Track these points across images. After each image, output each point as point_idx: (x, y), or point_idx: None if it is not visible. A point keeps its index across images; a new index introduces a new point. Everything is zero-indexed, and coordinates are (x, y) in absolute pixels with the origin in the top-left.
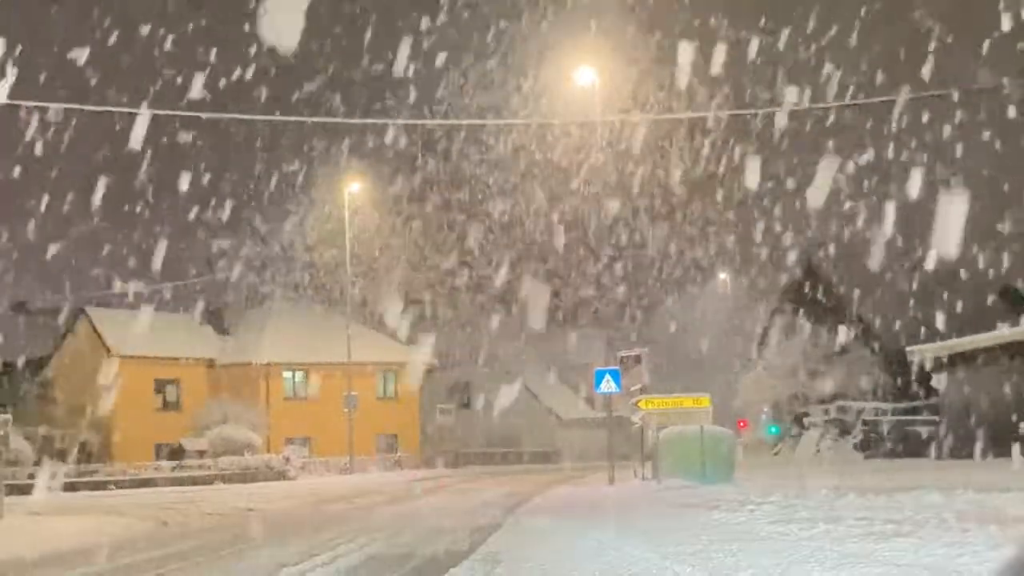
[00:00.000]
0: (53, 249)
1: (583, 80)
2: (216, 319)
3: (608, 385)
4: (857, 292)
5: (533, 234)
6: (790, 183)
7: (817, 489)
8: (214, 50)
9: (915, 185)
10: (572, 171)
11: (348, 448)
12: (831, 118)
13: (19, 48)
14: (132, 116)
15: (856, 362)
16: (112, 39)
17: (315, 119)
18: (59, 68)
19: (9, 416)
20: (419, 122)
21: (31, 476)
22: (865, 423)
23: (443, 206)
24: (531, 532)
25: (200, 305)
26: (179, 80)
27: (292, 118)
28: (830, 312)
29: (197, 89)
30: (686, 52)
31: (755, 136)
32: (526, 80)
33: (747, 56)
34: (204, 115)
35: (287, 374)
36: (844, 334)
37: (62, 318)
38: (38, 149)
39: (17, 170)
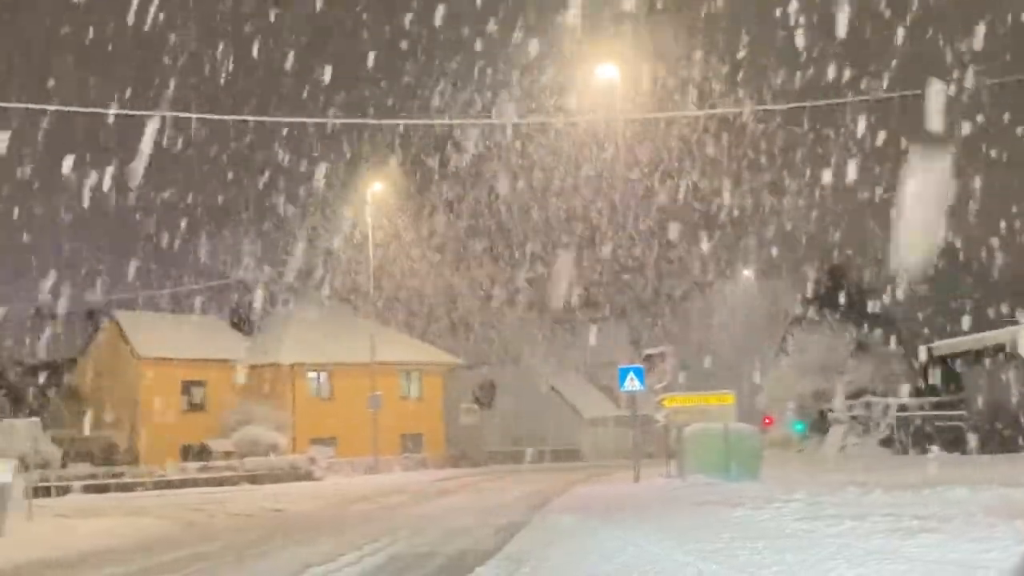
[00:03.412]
0: (80, 252)
1: (605, 76)
2: (241, 320)
3: (632, 383)
4: (881, 287)
5: (558, 232)
6: (816, 178)
7: (843, 485)
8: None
9: (940, 178)
10: (594, 165)
11: (373, 448)
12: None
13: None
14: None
15: (881, 358)
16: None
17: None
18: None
19: (38, 419)
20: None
21: (59, 478)
22: (891, 419)
23: (466, 204)
24: (556, 530)
25: (225, 307)
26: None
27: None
28: (855, 307)
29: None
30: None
31: (780, 130)
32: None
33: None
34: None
35: (311, 375)
36: (869, 329)
37: (89, 321)
38: (65, 150)
39: (39, 172)
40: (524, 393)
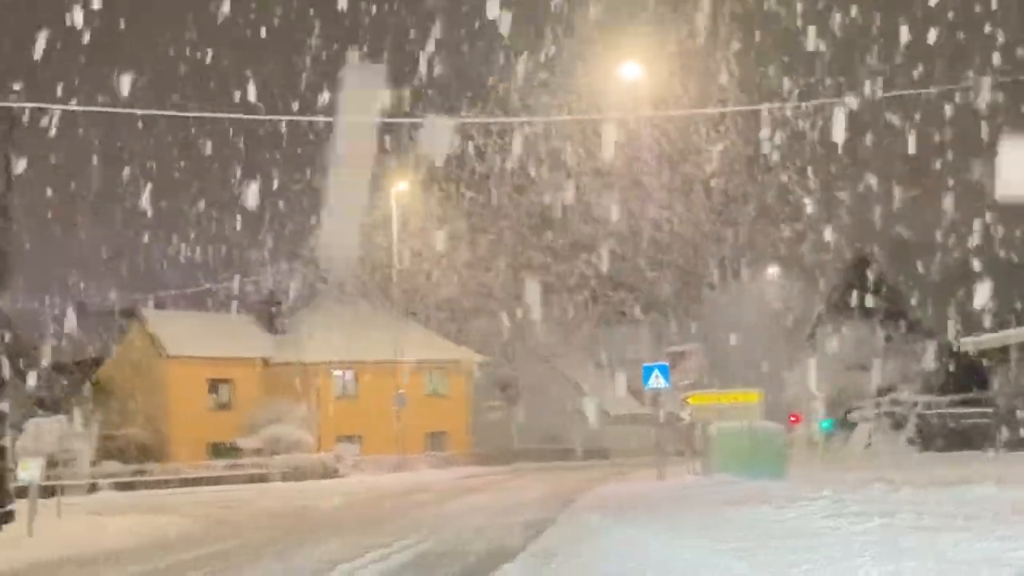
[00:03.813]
0: (108, 251)
1: (628, 75)
2: (267, 319)
3: (657, 381)
4: (909, 284)
5: (582, 229)
6: (845, 174)
7: (869, 483)
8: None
9: (968, 175)
10: (620, 164)
11: (398, 446)
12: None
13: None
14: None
15: (908, 355)
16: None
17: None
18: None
19: (67, 417)
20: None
21: (88, 476)
22: (918, 416)
23: (489, 201)
24: (582, 528)
25: (252, 305)
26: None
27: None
28: (882, 305)
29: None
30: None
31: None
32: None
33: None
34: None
35: (337, 373)
36: (896, 327)
37: (117, 320)
38: (95, 152)
39: (69, 173)
40: (549, 391)
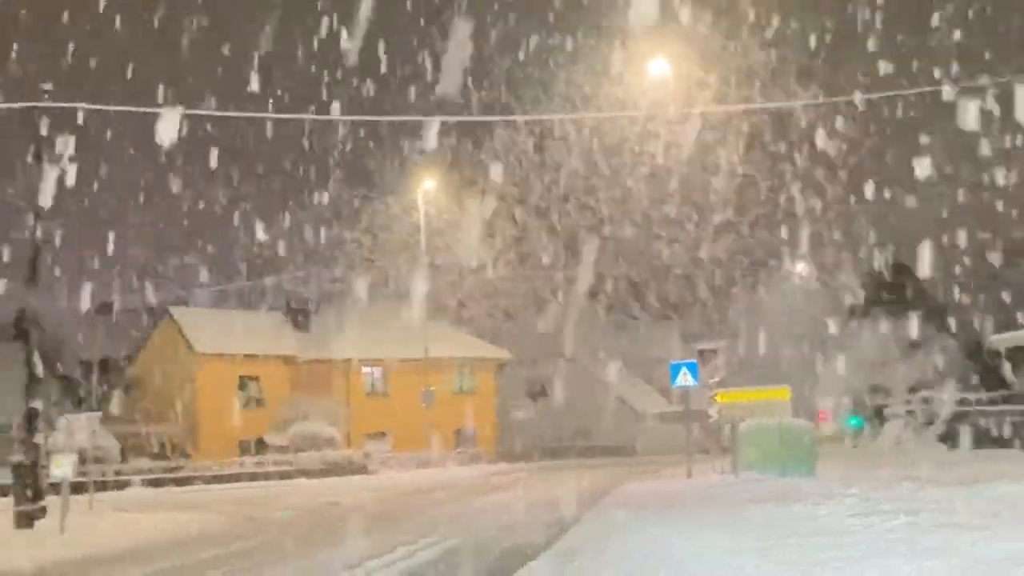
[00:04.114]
0: (136, 249)
1: (657, 71)
2: (296, 316)
3: (685, 379)
4: (940, 282)
5: (608, 226)
6: (875, 172)
7: (899, 481)
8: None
9: (1001, 173)
10: (647, 159)
11: (426, 443)
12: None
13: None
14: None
15: (938, 352)
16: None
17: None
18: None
19: (97, 414)
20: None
21: (118, 473)
22: (948, 414)
23: (518, 200)
24: (609, 525)
25: (280, 302)
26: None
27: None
28: (912, 302)
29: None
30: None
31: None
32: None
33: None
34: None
35: (366, 370)
36: (926, 324)
37: (146, 318)
38: (119, 149)
39: (96, 170)
40: (576, 388)
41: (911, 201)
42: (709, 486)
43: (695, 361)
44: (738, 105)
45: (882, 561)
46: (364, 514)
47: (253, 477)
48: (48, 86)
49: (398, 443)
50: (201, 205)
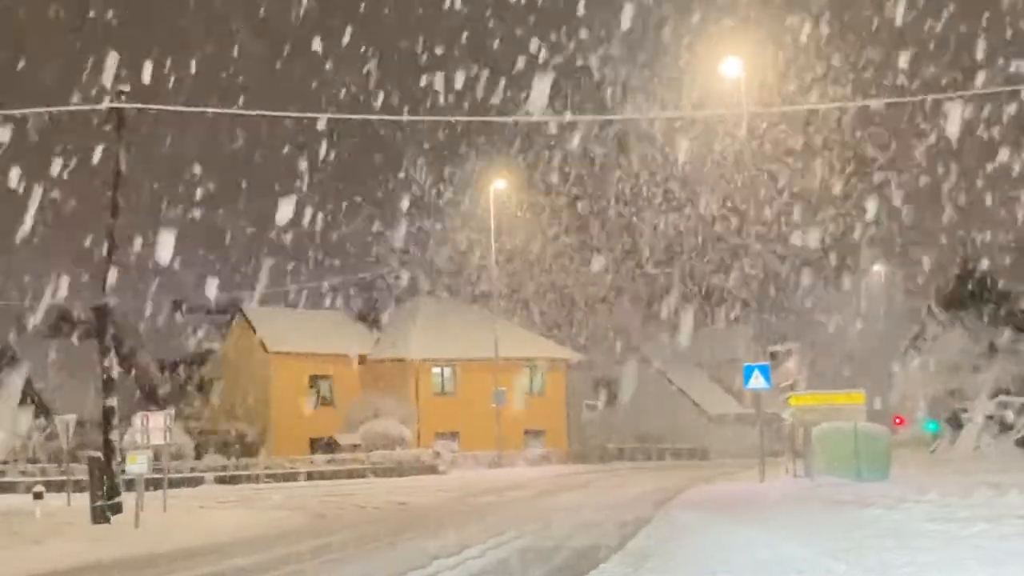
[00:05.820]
0: (208, 248)
1: (730, 71)
2: (367, 315)
3: (757, 381)
4: (1019, 285)
5: (679, 228)
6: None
7: (976, 487)
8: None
9: None
10: (717, 162)
11: (496, 443)
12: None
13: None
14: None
15: (1018, 356)
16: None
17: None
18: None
19: (172, 411)
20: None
21: (192, 470)
22: None
23: (590, 201)
24: (680, 527)
25: (352, 302)
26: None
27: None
28: (991, 305)
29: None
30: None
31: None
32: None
33: None
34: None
35: (436, 370)
36: (1005, 327)
37: (222, 317)
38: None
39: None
40: (647, 390)
41: (994, 203)
42: (782, 489)
43: (767, 364)
44: (819, 104)
45: (962, 566)
46: (435, 514)
47: (324, 476)
48: (126, 88)
49: (468, 442)
50: (270, 202)
